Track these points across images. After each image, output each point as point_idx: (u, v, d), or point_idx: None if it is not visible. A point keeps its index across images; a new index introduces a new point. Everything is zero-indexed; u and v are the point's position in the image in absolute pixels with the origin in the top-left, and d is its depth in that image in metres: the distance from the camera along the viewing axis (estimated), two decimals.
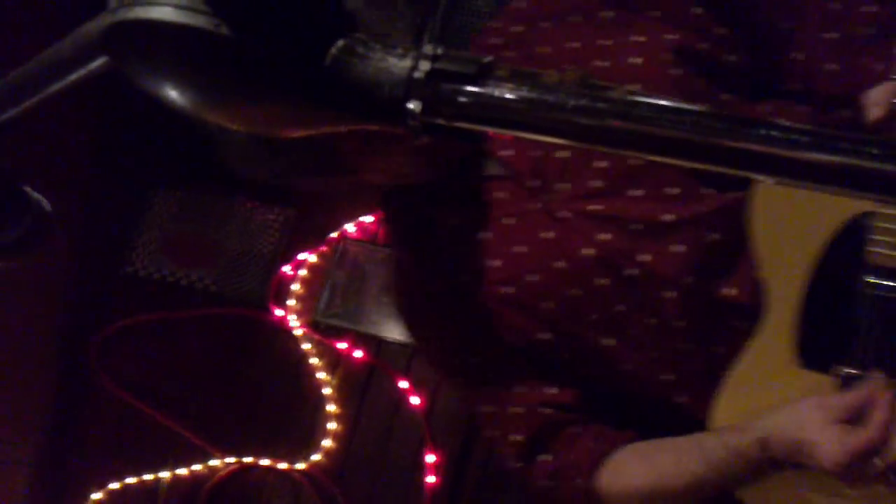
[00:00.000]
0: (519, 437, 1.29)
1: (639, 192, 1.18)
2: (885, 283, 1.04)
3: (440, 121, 0.58)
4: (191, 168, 2.94)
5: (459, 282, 1.28)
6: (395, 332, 2.65)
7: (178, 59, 0.58)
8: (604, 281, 1.19)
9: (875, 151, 0.50)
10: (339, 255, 2.79)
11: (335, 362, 2.74)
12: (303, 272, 2.81)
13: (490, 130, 0.58)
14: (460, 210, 1.28)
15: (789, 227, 1.10)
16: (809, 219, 1.08)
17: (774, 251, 1.11)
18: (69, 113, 2.76)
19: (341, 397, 2.72)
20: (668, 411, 1.27)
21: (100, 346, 2.89)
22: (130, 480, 2.76)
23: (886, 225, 1.01)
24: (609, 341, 1.23)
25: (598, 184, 1.19)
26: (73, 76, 0.65)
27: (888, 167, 0.49)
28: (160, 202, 3.01)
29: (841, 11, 1.23)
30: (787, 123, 0.53)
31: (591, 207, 1.19)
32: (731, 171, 0.56)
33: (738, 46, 1.23)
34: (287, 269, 2.82)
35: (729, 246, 1.17)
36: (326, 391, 2.70)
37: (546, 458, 1.29)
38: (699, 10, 1.22)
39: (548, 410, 1.28)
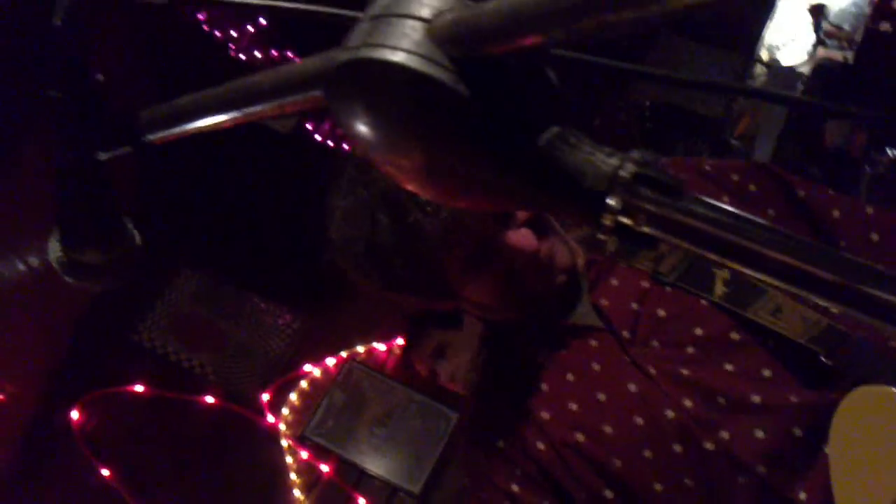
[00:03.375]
0: None
1: (731, 367, 1.18)
2: None
3: (631, 223, 0.60)
4: (214, 255, 2.98)
5: (535, 420, 1.26)
6: (379, 466, 2.63)
7: (407, 104, 0.60)
8: (678, 448, 1.17)
9: None
10: (343, 376, 2.79)
11: (313, 483, 2.71)
12: (303, 384, 2.80)
13: (677, 242, 0.60)
14: (548, 351, 1.29)
15: (876, 451, 1.05)
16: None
17: (855, 472, 1.07)
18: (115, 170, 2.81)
19: None
20: None
21: (86, 405, 2.87)
22: None
23: None
24: None
25: (691, 350, 1.19)
26: (283, 101, 0.67)
27: None
28: (181, 281, 3.04)
29: None
30: None
31: (681, 370, 1.19)
32: None
33: None
34: (291, 376, 2.82)
35: (809, 448, 1.14)
36: None
37: None
38: (805, 227, 1.27)
39: None
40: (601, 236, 0.63)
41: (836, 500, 1.07)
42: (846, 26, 2.41)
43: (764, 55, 2.48)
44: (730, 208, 0.62)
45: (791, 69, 2.39)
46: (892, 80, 2.22)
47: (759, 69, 2.46)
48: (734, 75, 2.58)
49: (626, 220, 0.61)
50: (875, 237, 1.27)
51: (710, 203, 0.59)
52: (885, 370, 1.10)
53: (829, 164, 2.45)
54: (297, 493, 2.68)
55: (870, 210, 1.31)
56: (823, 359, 1.12)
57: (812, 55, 2.43)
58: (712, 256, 0.62)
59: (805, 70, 2.40)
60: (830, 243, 1.27)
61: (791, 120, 2.55)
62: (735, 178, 1.31)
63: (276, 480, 2.72)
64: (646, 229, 0.62)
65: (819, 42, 2.44)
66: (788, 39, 2.48)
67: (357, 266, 1.19)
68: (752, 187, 1.30)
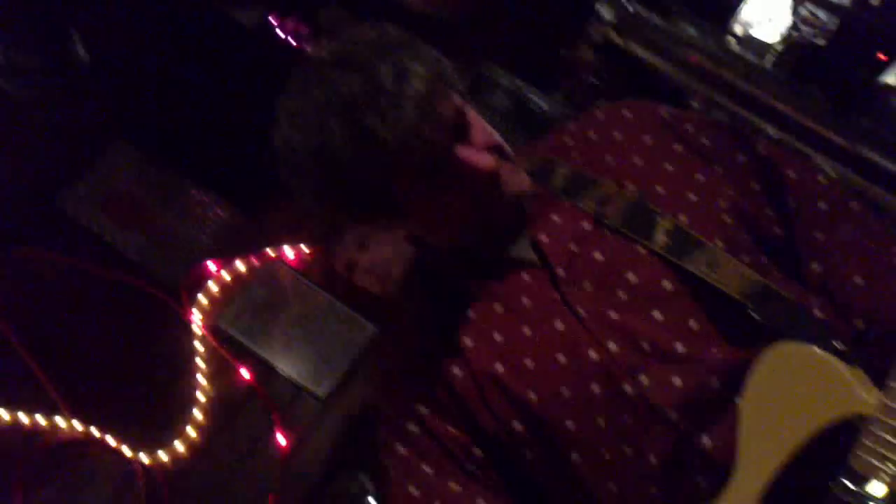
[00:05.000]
0: None
1: (659, 316, 1.18)
2: (856, 489, 1.02)
3: (620, 41, 0.60)
4: (157, 134, 2.90)
5: (456, 346, 1.25)
6: (290, 368, 2.61)
7: None
8: (597, 389, 1.17)
9: None
10: (266, 274, 2.75)
11: (220, 373, 2.68)
12: (225, 275, 2.76)
13: (665, 67, 0.60)
14: (479, 280, 1.27)
15: (784, 405, 1.09)
16: (806, 403, 1.08)
17: (761, 423, 1.10)
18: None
19: (211, 410, 2.64)
20: None
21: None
22: None
23: (881, 434, 1.00)
24: (577, 457, 1.20)
25: (622, 295, 1.19)
26: None
27: None
28: (116, 153, 2.94)
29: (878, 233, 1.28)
30: None
31: (610, 313, 1.18)
32: None
33: (782, 226, 1.28)
34: (212, 266, 2.77)
35: (722, 399, 1.16)
36: (200, 397, 2.63)
37: None
38: (756, 187, 1.27)
39: None
40: (584, 55, 0.62)
41: (738, 449, 1.10)
42: (822, 15, 2.44)
43: (738, 30, 2.50)
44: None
45: (764, 43, 2.41)
46: (860, 69, 2.26)
47: (731, 41, 2.47)
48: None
49: (615, 38, 0.61)
50: (823, 206, 1.28)
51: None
52: (809, 331, 1.12)
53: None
54: (201, 379, 2.65)
55: (823, 180, 1.31)
56: (753, 313, 1.14)
57: (786, 37, 2.45)
58: (700, 86, 0.62)
59: (779, 48, 2.42)
60: (780, 203, 1.29)
61: None
62: (689, 128, 1.31)
63: (182, 368, 2.68)
64: (634, 50, 0.61)
65: (795, 27, 2.46)
66: (765, 18, 2.49)
67: (298, 173, 1.15)
68: (704, 140, 1.30)
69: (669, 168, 1.27)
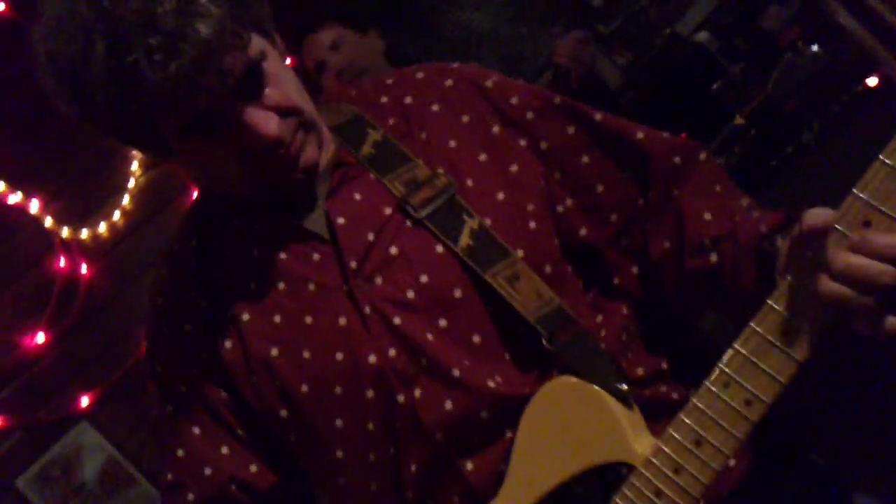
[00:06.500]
0: (191, 497, 1.23)
1: (444, 323, 1.12)
2: None
3: None
4: None
5: (233, 316, 1.18)
6: None
7: None
8: (371, 394, 1.13)
9: None
10: None
11: (153, 165, 2.68)
12: None
13: None
14: (267, 248, 1.19)
15: (555, 440, 1.08)
16: (577, 442, 1.06)
17: (531, 454, 1.09)
18: None
19: (140, 197, 2.66)
20: None
21: None
22: None
23: (639, 485, 1.00)
24: (341, 454, 1.17)
25: (411, 295, 1.13)
26: None
27: None
28: None
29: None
30: None
31: (395, 319, 1.12)
32: None
33: (587, 223, 1.21)
34: None
35: (493, 430, 1.12)
36: (132, 184, 2.64)
37: None
38: (586, 159, 1.20)
39: (234, 487, 1.22)
40: None
41: (506, 478, 1.10)
42: None
43: None
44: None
45: None
46: None
47: None
48: None
49: None
50: (677, 160, 1.20)
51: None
52: (594, 366, 1.09)
53: (754, 42, 2.60)
54: (136, 167, 2.65)
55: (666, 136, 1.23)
56: (545, 342, 1.09)
57: None
58: None
59: None
60: (614, 177, 1.22)
61: None
62: (514, 101, 1.22)
63: (121, 151, 2.68)
64: None
65: None
66: None
67: (56, 86, 1.02)
68: (529, 114, 1.21)
69: (483, 158, 1.19)
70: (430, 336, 1.11)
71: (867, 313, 0.84)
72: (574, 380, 1.07)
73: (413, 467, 1.13)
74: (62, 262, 2.61)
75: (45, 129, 2.58)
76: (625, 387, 1.06)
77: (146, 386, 1.27)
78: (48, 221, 2.62)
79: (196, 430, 1.21)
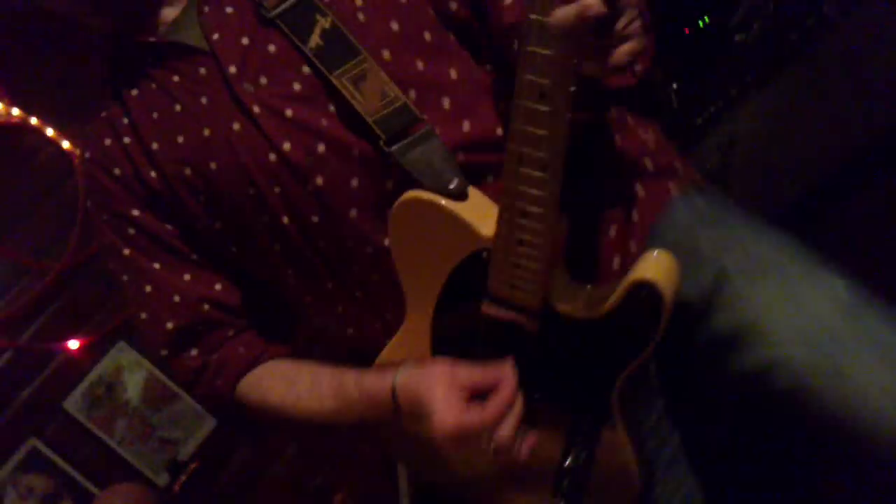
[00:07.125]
0: (170, 325, 1.27)
1: (332, 108, 1.15)
2: (497, 311, 1.10)
3: None
4: None
5: (147, 149, 1.22)
6: None
7: None
8: (277, 189, 1.17)
9: None
10: None
11: None
12: None
13: None
14: (156, 69, 1.21)
15: (421, 251, 1.14)
16: (437, 249, 1.12)
17: (410, 268, 1.15)
18: None
19: None
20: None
21: None
22: None
23: (500, 257, 1.06)
24: (277, 247, 1.22)
25: (298, 87, 1.15)
26: None
27: None
28: None
29: None
30: None
31: (287, 111, 1.15)
32: None
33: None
34: None
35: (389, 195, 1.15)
36: None
37: (193, 353, 1.29)
38: None
39: (206, 307, 1.27)
40: None
41: (404, 293, 1.18)
42: None
43: None
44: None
45: None
46: None
47: None
48: None
49: None
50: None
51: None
52: (433, 163, 1.12)
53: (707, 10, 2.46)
54: None
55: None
56: (383, 146, 1.12)
57: None
58: None
59: None
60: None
61: None
62: None
63: None
64: None
65: None
66: None
67: None
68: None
69: None
70: (324, 121, 1.14)
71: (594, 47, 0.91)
72: (412, 194, 1.10)
73: (323, 246, 1.19)
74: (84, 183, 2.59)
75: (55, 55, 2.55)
76: (455, 182, 1.09)
77: (99, 242, 1.32)
78: (66, 144, 2.60)
79: (156, 265, 1.27)
